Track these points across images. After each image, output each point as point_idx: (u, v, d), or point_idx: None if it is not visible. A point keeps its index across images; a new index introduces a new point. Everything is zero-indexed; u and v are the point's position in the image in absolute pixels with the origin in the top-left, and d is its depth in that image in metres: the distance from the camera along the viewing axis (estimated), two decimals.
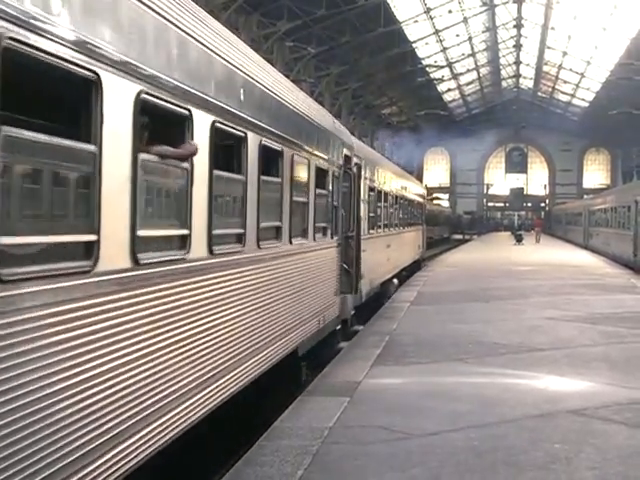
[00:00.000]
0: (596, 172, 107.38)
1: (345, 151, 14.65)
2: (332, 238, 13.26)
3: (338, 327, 14.20)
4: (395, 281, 24.86)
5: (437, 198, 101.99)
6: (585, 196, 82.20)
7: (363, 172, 17.58)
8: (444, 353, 12.38)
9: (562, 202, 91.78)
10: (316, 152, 11.71)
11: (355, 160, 16.05)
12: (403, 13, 53.95)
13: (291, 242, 10.07)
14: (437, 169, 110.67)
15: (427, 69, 66.63)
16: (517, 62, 78.79)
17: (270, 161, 9.25)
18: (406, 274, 28.43)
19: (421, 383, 10.42)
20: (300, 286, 10.84)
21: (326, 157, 12.56)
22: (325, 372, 11.21)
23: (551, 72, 78.99)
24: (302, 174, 10.94)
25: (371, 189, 19.68)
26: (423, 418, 8.51)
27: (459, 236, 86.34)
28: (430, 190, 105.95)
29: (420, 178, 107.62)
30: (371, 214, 19.46)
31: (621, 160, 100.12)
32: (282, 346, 9.83)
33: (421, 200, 36.90)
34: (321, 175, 12.20)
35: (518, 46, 71.76)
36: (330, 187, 13.00)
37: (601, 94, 73.95)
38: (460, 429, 8.06)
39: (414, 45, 60.77)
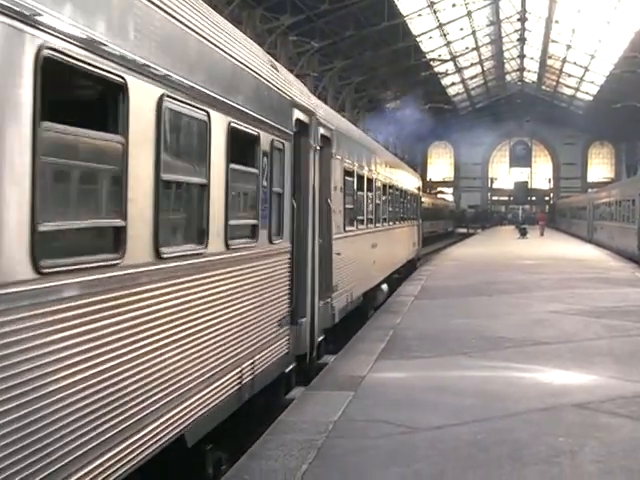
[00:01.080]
0: (600, 166, 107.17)
1: (299, 115, 10.42)
2: (272, 243, 9.00)
3: (290, 367, 10.14)
4: (384, 287, 20.57)
5: (441, 192, 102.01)
6: (589, 190, 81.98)
7: (334, 149, 13.38)
8: (448, 347, 12.39)
9: (566, 196, 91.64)
10: (227, 101, 7.24)
11: (321, 131, 12.09)
12: (407, 7, 53.81)
13: (160, 256, 5.75)
14: (441, 163, 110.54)
15: (431, 63, 66.50)
16: (521, 56, 78.59)
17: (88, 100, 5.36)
18: (398, 277, 24.69)
19: (425, 377, 10.43)
20: (193, 329, 6.49)
21: (253, 115, 8.08)
22: (330, 366, 11.23)
23: (555, 66, 78.77)
24: (189, 135, 6.65)
25: (348, 173, 15.18)
26: (427, 412, 8.51)
27: (463, 230, 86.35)
28: (434, 184, 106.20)
29: (424, 172, 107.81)
30: (349, 206, 15.22)
31: (625, 154, 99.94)
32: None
33: (416, 192, 31.93)
34: (243, 144, 7.95)
35: (522, 40, 71.55)
36: (263, 164, 8.57)
37: (605, 88, 73.74)
38: (464, 423, 8.06)
39: (418, 39, 60.62)
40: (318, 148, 11.69)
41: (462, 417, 8.27)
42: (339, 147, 13.98)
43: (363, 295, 16.78)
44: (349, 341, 13.40)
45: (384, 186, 21.06)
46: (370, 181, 18.39)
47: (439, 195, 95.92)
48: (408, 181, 28.47)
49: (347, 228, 14.85)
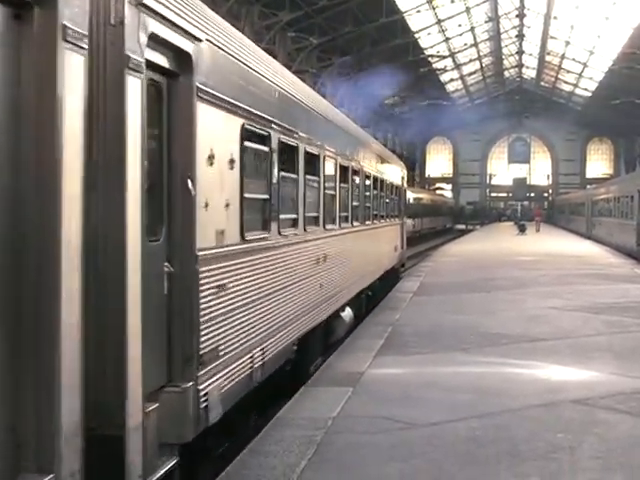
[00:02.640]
0: (599, 162, 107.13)
1: None
2: None
3: None
4: (347, 313, 14.50)
5: (440, 188, 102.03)
6: (588, 186, 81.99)
7: (205, 80, 6.84)
8: (447, 343, 12.40)
9: (565, 192, 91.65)
10: None
11: (166, 35, 6.06)
12: (405, 3, 53.71)
13: None
14: (440, 159, 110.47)
15: (429, 59, 66.43)
16: (520, 52, 78.52)
17: None
18: (370, 294, 18.34)
19: (424, 373, 10.43)
20: None
21: None
22: (328, 363, 11.23)
23: (554, 62, 78.69)
24: None
25: (254, 136, 8.53)
26: (425, 408, 8.52)
27: (462, 226, 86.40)
28: (433, 180, 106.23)
29: (423, 168, 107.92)
30: (254, 196, 8.54)
31: (624, 150, 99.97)
32: None
33: (399, 183, 24.76)
34: None
35: (521, 36, 71.49)
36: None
37: (604, 84, 73.66)
38: (462, 419, 8.07)
39: (416, 35, 60.56)
40: (143, 66, 5.54)
41: (460, 413, 8.28)
42: (223, 81, 7.38)
43: (299, 341, 10.37)
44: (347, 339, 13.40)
45: (344, 170, 14.33)
46: (312, 158, 11.53)
47: (438, 191, 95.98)
48: (387, 169, 21.72)
49: (249, 236, 8.17)
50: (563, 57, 74.67)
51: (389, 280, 21.69)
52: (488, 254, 33.83)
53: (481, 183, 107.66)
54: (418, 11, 56.25)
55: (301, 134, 10.69)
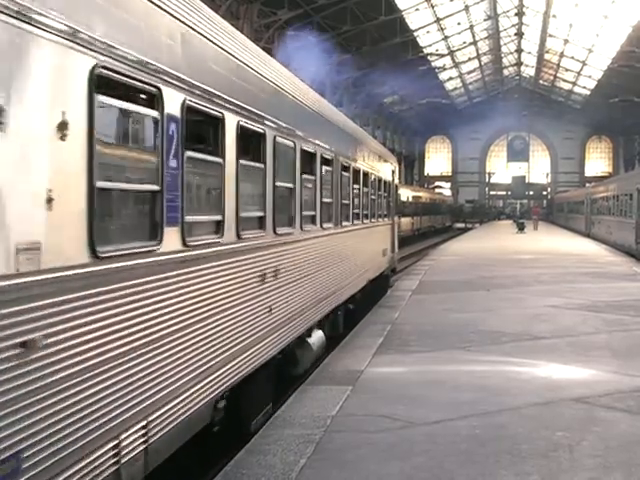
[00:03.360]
0: (598, 160, 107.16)
1: None
2: None
3: None
4: (315, 338, 11.76)
5: (439, 187, 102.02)
6: (587, 184, 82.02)
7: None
8: (446, 342, 12.39)
9: (564, 190, 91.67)
10: None
11: None
12: (404, 1, 53.72)
13: None
14: (439, 158, 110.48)
15: (428, 57, 66.41)
16: (519, 50, 78.51)
17: None
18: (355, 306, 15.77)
19: (423, 372, 10.42)
20: None
21: None
22: (327, 361, 11.22)
23: (553, 60, 78.70)
24: None
25: (126, 93, 5.48)
26: (425, 407, 8.51)
27: (461, 225, 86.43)
28: (432, 179, 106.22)
29: (422, 167, 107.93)
30: (111, 184, 5.34)
31: (623, 148, 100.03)
32: None
33: (389, 178, 21.87)
34: None
35: (520, 34, 71.44)
36: None
37: (603, 82, 73.69)
38: (462, 417, 8.06)
39: (415, 33, 60.55)
40: None
41: (460, 411, 8.27)
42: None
43: (231, 392, 7.68)
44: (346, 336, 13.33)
45: (309, 158, 11.30)
46: (258, 138, 8.69)
47: (437, 190, 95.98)
48: (373, 160, 18.62)
49: (108, 251, 5.13)
50: (562, 55, 74.68)
51: (376, 289, 18.77)
52: (487, 252, 33.82)
53: (480, 181, 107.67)
54: (417, 9, 56.26)
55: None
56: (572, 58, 73.95)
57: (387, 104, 77.25)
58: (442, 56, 68.91)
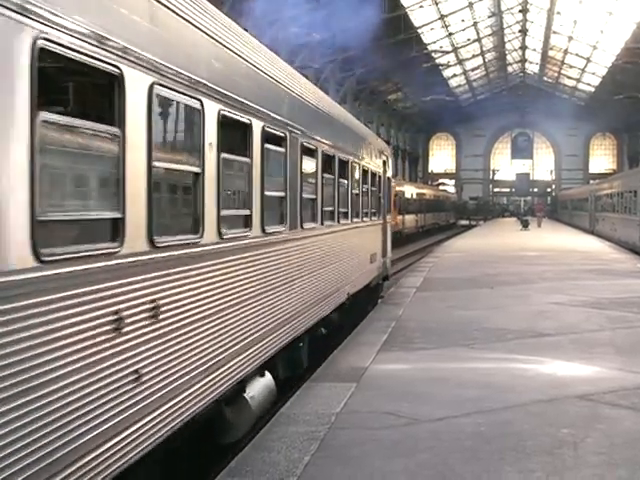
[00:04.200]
0: (602, 157, 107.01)
1: None
2: None
3: None
4: (259, 386, 8.67)
5: (443, 184, 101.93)
6: (591, 181, 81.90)
7: None
8: (450, 339, 12.38)
9: (568, 187, 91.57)
10: None
11: None
12: None
13: None
14: (443, 155, 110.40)
15: (432, 55, 66.36)
16: (523, 47, 78.44)
17: None
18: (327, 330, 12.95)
19: (427, 369, 10.41)
20: None
21: None
22: (332, 358, 11.22)
23: (557, 57, 78.64)
24: None
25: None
26: (430, 404, 8.51)
27: (465, 222, 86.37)
28: (436, 176, 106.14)
29: (426, 164, 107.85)
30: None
31: (627, 145, 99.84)
32: None
33: (379, 169, 18.70)
34: None
35: (524, 31, 71.38)
36: None
37: (607, 79, 73.60)
38: (467, 414, 8.06)
39: (419, 31, 60.52)
40: None
41: (465, 408, 8.27)
42: None
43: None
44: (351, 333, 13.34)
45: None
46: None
47: (441, 187, 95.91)
48: (358, 148, 15.76)
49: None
50: (566, 52, 74.63)
51: (360, 304, 15.78)
52: (491, 249, 33.80)
53: (484, 179, 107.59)
54: (421, 6, 56.24)
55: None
56: (576, 55, 73.90)
57: (391, 101, 77.21)
58: (446, 53, 68.90)
